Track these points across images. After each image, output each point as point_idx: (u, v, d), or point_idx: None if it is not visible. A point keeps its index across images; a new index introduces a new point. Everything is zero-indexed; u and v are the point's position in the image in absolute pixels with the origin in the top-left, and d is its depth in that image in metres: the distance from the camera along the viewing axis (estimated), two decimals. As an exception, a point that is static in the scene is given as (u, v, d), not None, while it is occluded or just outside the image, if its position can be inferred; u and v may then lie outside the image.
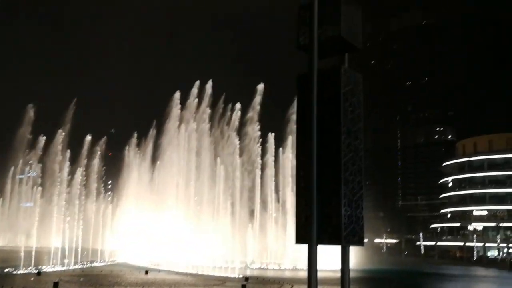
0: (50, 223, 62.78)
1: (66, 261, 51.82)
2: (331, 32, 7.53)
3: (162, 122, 72.52)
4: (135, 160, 75.93)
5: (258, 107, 71.81)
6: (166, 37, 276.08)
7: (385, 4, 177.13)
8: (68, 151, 75.63)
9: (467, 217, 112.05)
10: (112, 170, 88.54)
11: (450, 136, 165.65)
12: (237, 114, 71.50)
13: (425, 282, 54.97)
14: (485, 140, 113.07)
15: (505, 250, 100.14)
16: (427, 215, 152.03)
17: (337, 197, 6.99)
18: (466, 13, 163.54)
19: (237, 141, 70.19)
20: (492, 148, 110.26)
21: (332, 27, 7.51)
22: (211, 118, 71.35)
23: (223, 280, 41.68)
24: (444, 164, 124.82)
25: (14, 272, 42.19)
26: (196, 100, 71.63)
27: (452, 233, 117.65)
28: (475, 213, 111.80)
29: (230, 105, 72.63)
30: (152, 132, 76.28)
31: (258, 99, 72.10)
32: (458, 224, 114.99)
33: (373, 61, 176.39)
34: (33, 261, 46.31)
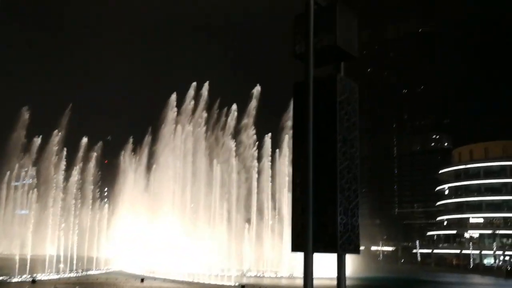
0: (46, 231, 62.39)
1: (61, 267, 51.47)
2: (327, 41, 7.59)
3: (158, 126, 72.20)
4: (130, 166, 75.58)
5: (254, 112, 71.45)
6: (164, 44, 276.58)
7: (382, 12, 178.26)
8: (64, 152, 74.63)
9: (464, 225, 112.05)
10: (108, 177, 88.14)
11: (446, 144, 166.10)
12: (233, 115, 71.07)
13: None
14: (481, 148, 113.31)
15: (502, 257, 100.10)
16: (424, 223, 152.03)
17: (333, 205, 7.00)
18: (462, 22, 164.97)
19: (233, 144, 69.73)
20: (488, 155, 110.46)
21: (327, 36, 7.57)
22: (207, 122, 71.16)
23: (219, 288, 41.48)
24: (440, 171, 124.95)
25: (9, 280, 41.86)
26: (193, 102, 71.29)
27: (448, 240, 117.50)
28: (471, 220, 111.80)
29: (226, 109, 72.38)
30: (148, 138, 76.00)
31: (253, 103, 71.80)
32: (454, 232, 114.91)
33: (369, 69, 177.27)
34: (28, 269, 45.99)
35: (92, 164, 74.23)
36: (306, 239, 7.05)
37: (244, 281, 49.31)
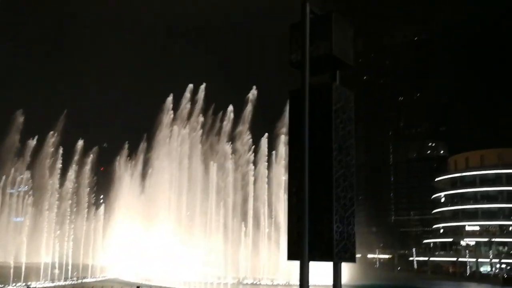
0: (41, 238, 61.95)
1: (56, 274, 51.12)
2: (323, 50, 7.63)
3: (153, 130, 71.77)
4: (126, 172, 75.17)
5: (249, 116, 71.21)
6: (159, 49, 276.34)
7: (377, 21, 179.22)
8: (60, 151, 73.68)
9: (460, 233, 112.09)
10: (104, 185, 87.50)
11: (442, 152, 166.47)
12: (229, 117, 70.83)
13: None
14: (477, 156, 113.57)
15: (498, 265, 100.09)
16: (420, 230, 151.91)
17: (329, 213, 7.01)
18: (457, 30, 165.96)
19: (229, 146, 69.41)
20: (484, 163, 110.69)
21: (323, 45, 7.61)
22: (203, 126, 70.89)
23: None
24: (436, 179, 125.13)
25: (3, 288, 41.58)
26: (189, 104, 71.09)
27: (444, 248, 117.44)
28: (467, 228, 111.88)
29: (221, 113, 72.13)
30: (143, 144, 75.50)
31: (249, 107, 71.58)
32: (450, 240, 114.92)
33: (365, 77, 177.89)
34: (22, 277, 45.65)
35: (87, 167, 73.43)
36: (302, 247, 7.05)
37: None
